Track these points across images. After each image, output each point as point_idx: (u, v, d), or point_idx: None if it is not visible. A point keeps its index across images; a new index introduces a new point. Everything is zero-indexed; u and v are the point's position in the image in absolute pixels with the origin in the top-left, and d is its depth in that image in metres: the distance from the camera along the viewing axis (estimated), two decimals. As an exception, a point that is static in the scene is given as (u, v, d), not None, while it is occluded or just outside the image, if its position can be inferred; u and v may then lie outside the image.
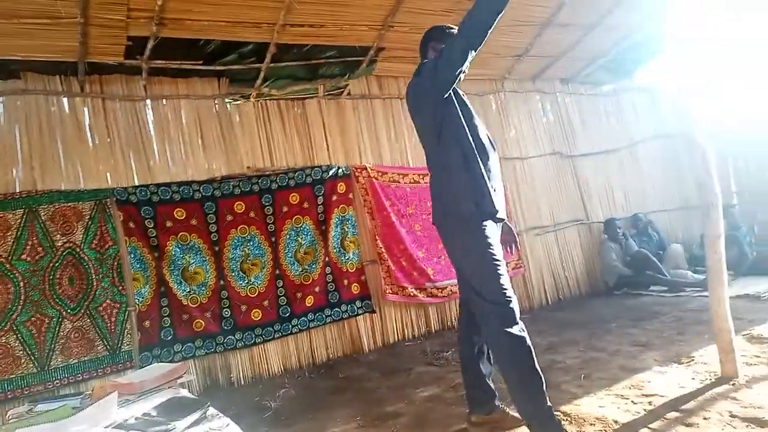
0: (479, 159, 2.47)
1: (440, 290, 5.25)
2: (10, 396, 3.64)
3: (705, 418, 2.41)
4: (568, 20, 5.19)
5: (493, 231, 2.47)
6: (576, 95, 6.67)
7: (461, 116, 2.52)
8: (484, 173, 2.46)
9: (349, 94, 5.21)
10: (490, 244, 2.41)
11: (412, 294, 5.13)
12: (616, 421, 2.54)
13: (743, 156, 7.04)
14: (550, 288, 6.00)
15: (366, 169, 5.08)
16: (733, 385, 2.77)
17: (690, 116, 3.05)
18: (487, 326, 2.40)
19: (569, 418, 2.68)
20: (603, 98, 6.89)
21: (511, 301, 2.34)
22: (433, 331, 5.27)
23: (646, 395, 2.80)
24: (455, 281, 5.27)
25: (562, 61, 6.05)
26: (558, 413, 2.75)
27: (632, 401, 2.75)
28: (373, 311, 5.00)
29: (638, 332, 4.14)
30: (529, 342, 2.30)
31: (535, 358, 2.30)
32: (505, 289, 2.35)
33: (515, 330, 2.29)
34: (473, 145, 2.48)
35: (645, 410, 2.61)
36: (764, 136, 6.58)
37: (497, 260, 2.40)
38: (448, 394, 3.38)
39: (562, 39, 5.60)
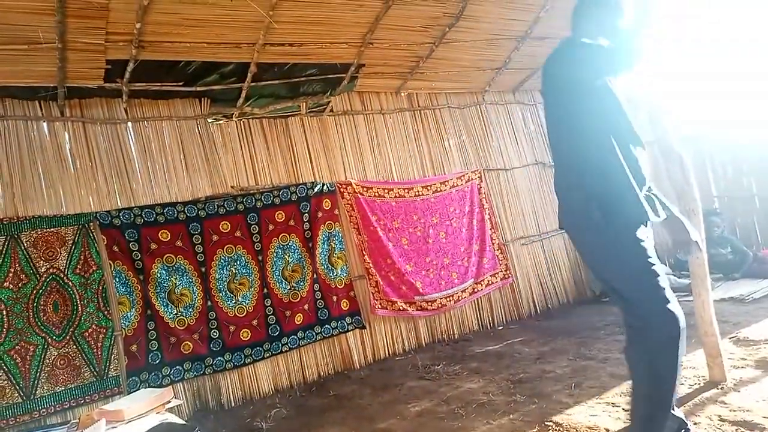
0: (615, 160, 2.23)
1: (429, 303, 5.25)
2: (-6, 428, 3.56)
3: (695, 423, 2.43)
4: (544, 33, 5.26)
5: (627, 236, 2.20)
6: (556, 105, 6.74)
7: (600, 111, 2.22)
8: (619, 176, 2.22)
9: (331, 110, 5.22)
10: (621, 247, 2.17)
11: (401, 308, 5.12)
12: (607, 430, 2.56)
13: (720, 161, 7.14)
14: (538, 297, 6.01)
15: (351, 184, 5.09)
16: (722, 388, 2.80)
17: (665, 122, 3.09)
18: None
19: (561, 429, 2.68)
20: (582, 108, 6.98)
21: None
22: (424, 344, 5.25)
23: (637, 402, 2.81)
24: (444, 294, 5.36)
25: (540, 72, 6.11)
26: (550, 423, 2.76)
27: (623, 409, 2.77)
28: (364, 327, 4.98)
29: (626, 338, 4.16)
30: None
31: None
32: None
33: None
34: (614, 147, 2.22)
35: (636, 417, 2.62)
36: (740, 140, 6.69)
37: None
38: (440, 408, 3.37)
39: (539, 51, 5.66)
